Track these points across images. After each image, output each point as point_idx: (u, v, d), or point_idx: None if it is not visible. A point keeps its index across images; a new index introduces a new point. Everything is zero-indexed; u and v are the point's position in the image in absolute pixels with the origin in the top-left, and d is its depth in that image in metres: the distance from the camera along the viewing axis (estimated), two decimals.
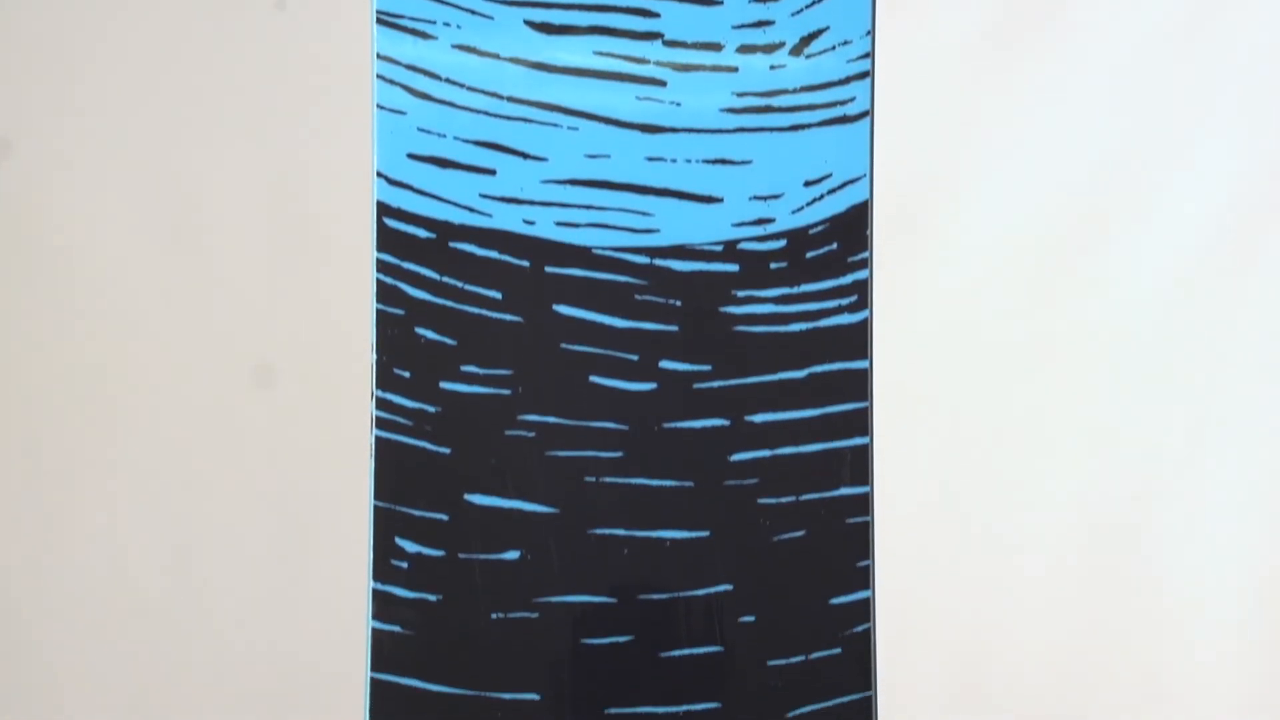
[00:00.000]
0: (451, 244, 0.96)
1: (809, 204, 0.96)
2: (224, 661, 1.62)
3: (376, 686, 0.95)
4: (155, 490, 1.62)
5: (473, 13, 0.96)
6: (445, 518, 0.95)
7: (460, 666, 0.95)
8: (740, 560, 0.95)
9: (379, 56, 0.96)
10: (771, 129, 0.96)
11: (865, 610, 0.96)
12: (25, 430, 1.63)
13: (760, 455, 0.96)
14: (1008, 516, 1.66)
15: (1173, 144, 1.65)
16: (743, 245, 0.96)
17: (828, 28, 0.97)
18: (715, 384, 0.96)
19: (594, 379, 0.95)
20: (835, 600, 0.96)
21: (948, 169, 1.65)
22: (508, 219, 0.96)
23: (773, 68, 0.96)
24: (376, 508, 0.95)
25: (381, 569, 0.95)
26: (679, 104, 0.96)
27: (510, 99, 0.96)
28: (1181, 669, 1.66)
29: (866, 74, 0.97)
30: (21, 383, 1.63)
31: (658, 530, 0.95)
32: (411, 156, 0.96)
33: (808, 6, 0.96)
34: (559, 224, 0.96)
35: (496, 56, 0.96)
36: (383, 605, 0.95)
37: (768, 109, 0.96)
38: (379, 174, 0.96)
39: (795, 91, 0.97)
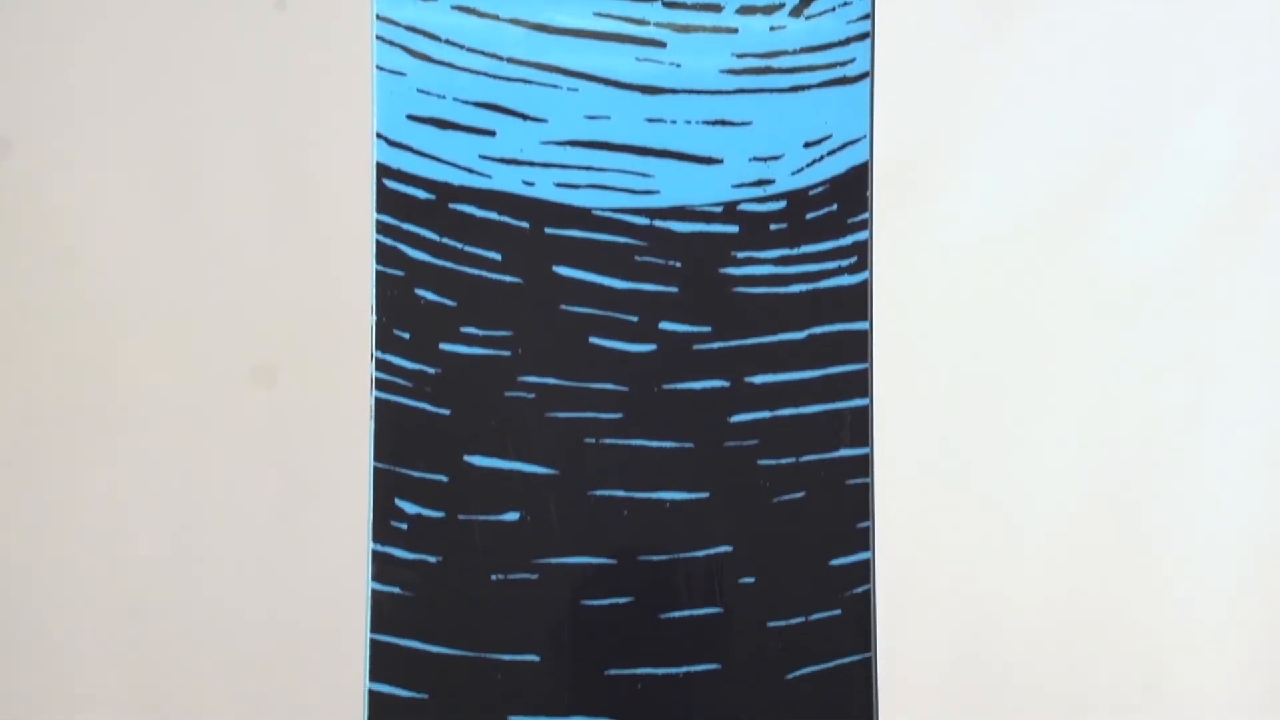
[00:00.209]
0: (451, 205, 0.95)
1: (809, 165, 0.96)
2: (223, 623, 1.62)
3: (376, 648, 0.95)
4: (154, 452, 1.62)
5: None
6: (445, 479, 0.95)
7: (460, 628, 0.95)
8: (740, 522, 0.96)
9: (378, 18, 0.96)
10: (771, 90, 0.96)
11: (865, 572, 0.96)
12: (24, 380, 1.63)
13: (760, 416, 0.96)
14: (1008, 478, 1.66)
15: (1177, 104, 1.65)
16: (743, 206, 0.96)
17: None
18: (715, 345, 0.96)
19: (594, 340, 0.95)
20: (835, 562, 0.96)
21: (948, 130, 1.65)
22: (507, 180, 0.96)
23: (772, 29, 0.96)
24: (376, 469, 0.95)
25: (381, 530, 0.95)
26: (679, 65, 0.96)
27: (510, 60, 0.96)
28: (1181, 636, 1.67)
29: (866, 35, 0.97)
30: (21, 336, 1.63)
31: (658, 492, 0.95)
32: (411, 118, 0.96)
33: None
34: (559, 185, 0.96)
35: (496, 18, 0.96)
36: (382, 566, 0.95)
37: (768, 70, 0.96)
38: (379, 135, 0.96)
39: (795, 53, 0.96)
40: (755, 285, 0.96)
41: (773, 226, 0.96)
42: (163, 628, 1.62)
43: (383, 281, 0.95)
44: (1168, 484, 1.66)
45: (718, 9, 0.96)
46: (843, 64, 0.97)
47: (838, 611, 0.96)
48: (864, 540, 0.96)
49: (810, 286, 0.96)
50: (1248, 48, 1.65)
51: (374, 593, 0.95)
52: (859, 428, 0.96)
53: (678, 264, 0.96)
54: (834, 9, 0.97)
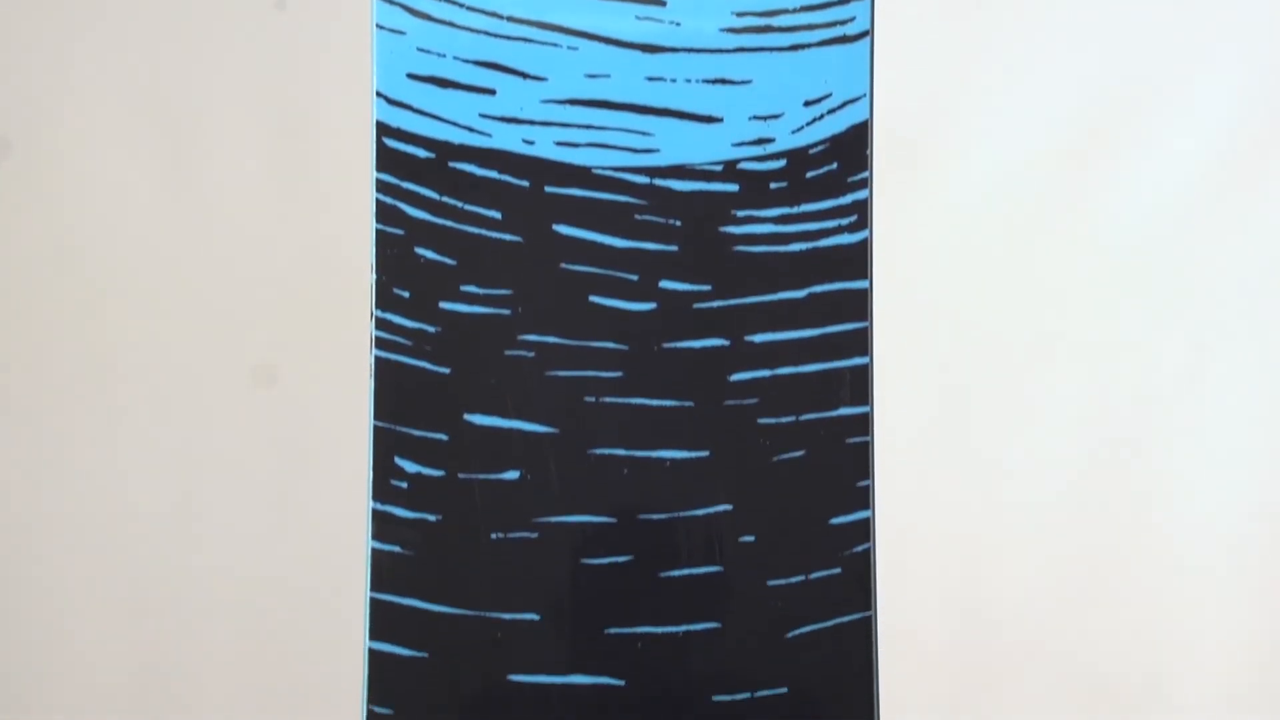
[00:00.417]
0: (451, 164, 0.95)
1: (809, 124, 0.96)
2: (223, 582, 1.63)
3: (376, 606, 0.95)
4: (154, 412, 1.63)
5: None
6: (445, 438, 0.95)
7: (460, 586, 0.95)
8: (740, 480, 0.96)
9: None
10: (771, 49, 0.96)
11: (865, 530, 0.96)
12: (22, 350, 1.63)
13: (760, 375, 0.96)
14: (1007, 436, 1.66)
15: (1179, 65, 1.65)
16: (743, 165, 0.96)
17: None
18: (715, 304, 0.96)
19: (594, 299, 0.95)
20: (835, 520, 0.96)
21: (948, 89, 1.64)
22: (507, 139, 0.95)
23: None
24: (376, 428, 0.95)
25: (381, 489, 0.95)
26: (678, 24, 0.96)
27: (510, 19, 0.96)
28: (1182, 590, 1.67)
29: None
30: (20, 310, 1.63)
31: (657, 450, 0.95)
32: (411, 76, 0.96)
33: None
34: (559, 144, 0.96)
35: None
36: (382, 525, 0.95)
37: (767, 29, 0.96)
38: (378, 94, 0.96)
39: (795, 11, 0.96)
40: (755, 244, 0.96)
41: (773, 185, 0.96)
42: (163, 586, 1.62)
43: (383, 240, 0.95)
44: (1167, 439, 1.66)
45: None
46: (843, 22, 0.96)
47: (838, 570, 0.96)
48: (864, 499, 0.96)
49: (810, 245, 0.96)
50: (1249, 11, 1.64)
51: (374, 551, 0.95)
52: (859, 386, 0.96)
53: (678, 223, 0.96)
54: None
